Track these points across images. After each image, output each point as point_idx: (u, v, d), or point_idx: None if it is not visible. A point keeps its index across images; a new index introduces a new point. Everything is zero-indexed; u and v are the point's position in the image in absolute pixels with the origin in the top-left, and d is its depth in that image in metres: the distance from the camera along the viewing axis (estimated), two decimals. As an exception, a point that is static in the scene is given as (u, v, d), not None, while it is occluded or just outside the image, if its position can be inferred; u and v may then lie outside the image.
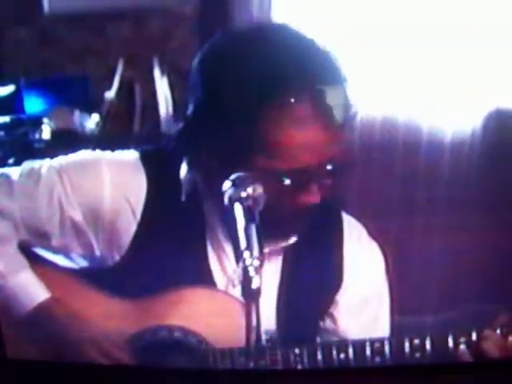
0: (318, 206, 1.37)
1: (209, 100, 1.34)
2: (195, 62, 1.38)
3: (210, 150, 1.35)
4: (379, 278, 1.52)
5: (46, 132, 2.85)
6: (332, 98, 1.31)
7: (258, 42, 1.34)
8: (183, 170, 1.44)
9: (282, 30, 1.38)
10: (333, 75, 1.34)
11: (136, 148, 1.49)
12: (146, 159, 1.45)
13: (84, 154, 1.48)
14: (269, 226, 1.20)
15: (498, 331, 1.36)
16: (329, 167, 1.34)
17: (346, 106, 1.34)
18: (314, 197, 1.35)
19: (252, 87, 1.29)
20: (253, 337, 1.14)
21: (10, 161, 2.53)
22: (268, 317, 1.41)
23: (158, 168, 1.45)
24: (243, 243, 1.15)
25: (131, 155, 1.47)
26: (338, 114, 1.32)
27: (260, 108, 1.30)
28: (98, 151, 1.48)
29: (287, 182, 1.32)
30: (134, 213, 1.42)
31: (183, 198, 1.43)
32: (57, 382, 1.34)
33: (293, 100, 1.30)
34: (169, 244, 1.40)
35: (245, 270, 1.12)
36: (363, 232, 1.53)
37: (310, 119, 1.31)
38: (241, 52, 1.33)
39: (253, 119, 1.30)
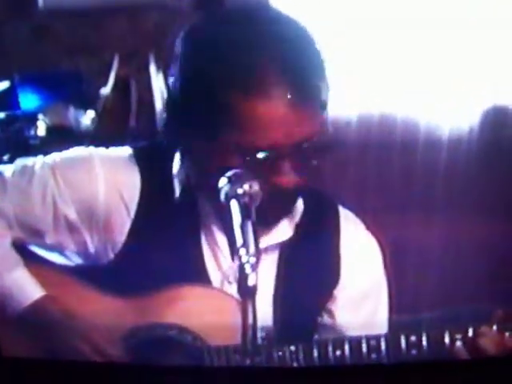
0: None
1: (181, 81, 1.34)
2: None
3: (188, 134, 1.34)
4: (377, 273, 1.51)
5: (41, 128, 2.84)
6: (303, 74, 1.29)
7: (224, 22, 1.33)
8: (176, 165, 1.43)
9: (251, 10, 1.36)
10: (306, 51, 1.32)
11: (131, 144, 1.49)
12: (139, 156, 1.45)
13: (77, 151, 1.47)
14: (258, 210, 1.19)
15: (495, 328, 1.36)
16: (304, 146, 1.30)
17: (317, 84, 1.31)
18: (286, 178, 1.31)
19: (221, 63, 1.28)
20: (249, 334, 1.13)
21: (5, 157, 2.51)
22: (264, 314, 1.40)
23: (151, 164, 1.44)
24: (239, 240, 1.15)
25: (125, 152, 1.46)
26: (308, 90, 1.29)
27: (229, 84, 1.28)
28: (91, 147, 1.47)
29: (260, 156, 1.28)
30: (127, 209, 1.41)
31: (177, 195, 1.42)
32: (52, 380, 1.34)
33: (262, 75, 1.27)
34: (163, 241, 1.39)
35: (241, 268, 1.12)
36: (360, 226, 1.52)
37: (279, 94, 1.28)
38: (209, 32, 1.33)
39: (223, 96, 1.28)
